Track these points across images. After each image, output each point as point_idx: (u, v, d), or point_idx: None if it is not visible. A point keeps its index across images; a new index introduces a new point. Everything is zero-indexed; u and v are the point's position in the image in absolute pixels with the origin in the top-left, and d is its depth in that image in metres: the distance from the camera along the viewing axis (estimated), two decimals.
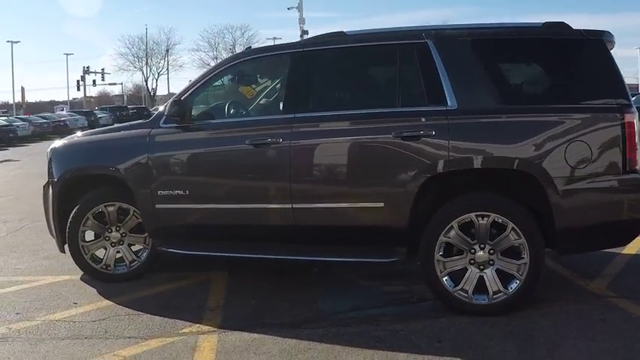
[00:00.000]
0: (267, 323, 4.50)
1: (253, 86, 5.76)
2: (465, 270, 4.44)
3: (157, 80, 73.54)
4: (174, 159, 5.21)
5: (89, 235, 5.60)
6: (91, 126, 42.99)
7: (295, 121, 4.79)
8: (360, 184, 4.70)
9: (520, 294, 4.41)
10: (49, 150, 5.78)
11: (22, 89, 50.94)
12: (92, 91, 73.27)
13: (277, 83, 5.60)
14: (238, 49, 71.85)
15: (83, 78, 64.50)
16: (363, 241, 4.80)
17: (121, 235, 5.51)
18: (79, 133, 6.11)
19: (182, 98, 5.14)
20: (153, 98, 70.43)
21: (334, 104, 5.02)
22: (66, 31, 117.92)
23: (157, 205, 5.18)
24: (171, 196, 5.13)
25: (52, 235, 5.78)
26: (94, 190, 5.50)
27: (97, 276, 5.55)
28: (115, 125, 7.16)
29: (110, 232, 5.50)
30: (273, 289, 5.29)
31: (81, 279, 5.68)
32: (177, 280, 5.59)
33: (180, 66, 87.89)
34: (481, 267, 4.42)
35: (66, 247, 5.64)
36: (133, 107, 56.91)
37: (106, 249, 5.53)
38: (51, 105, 66.22)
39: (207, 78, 5.33)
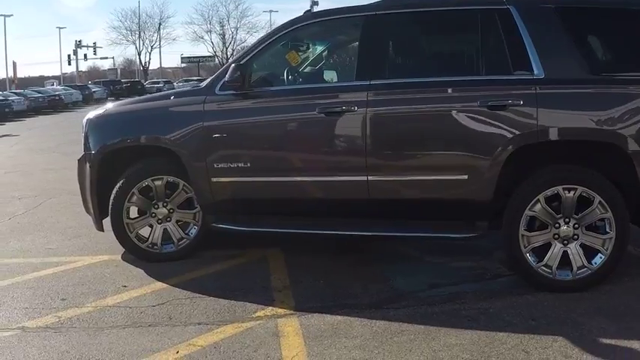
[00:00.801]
0: (345, 304, 4.14)
1: (310, 51, 5.33)
2: (549, 245, 4.21)
3: (149, 54, 72.37)
4: (233, 129, 4.73)
5: (133, 212, 5.10)
6: (85, 100, 42.27)
7: (371, 89, 4.42)
8: (441, 155, 4.42)
9: (604, 269, 4.20)
10: (84, 121, 5.24)
11: (14, 64, 49.75)
12: (82, 66, 72.01)
13: (345, 48, 5.23)
14: (232, 22, 70.90)
15: (75, 52, 63.27)
16: (442, 216, 4.49)
17: (169, 211, 5.01)
18: (110, 104, 5.56)
19: (242, 62, 4.64)
20: (146, 72, 69.35)
21: (412, 71, 4.70)
22: (58, 4, 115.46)
23: (212, 179, 4.71)
24: (230, 168, 4.67)
25: (88, 212, 5.28)
26: (140, 163, 4.99)
27: (143, 256, 5.07)
28: (158, 94, 6.60)
29: (157, 209, 5.00)
30: (337, 268, 4.87)
31: (122, 259, 5.20)
32: (230, 259, 5.12)
33: (174, 39, 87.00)
34: (565, 242, 4.19)
35: (104, 225, 5.18)
36: (127, 81, 56.02)
37: (151, 226, 5.04)
38: (41, 80, 64.88)
39: (268, 41, 4.85)
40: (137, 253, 5.08)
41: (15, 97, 32.26)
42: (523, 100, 4.14)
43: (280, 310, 4.06)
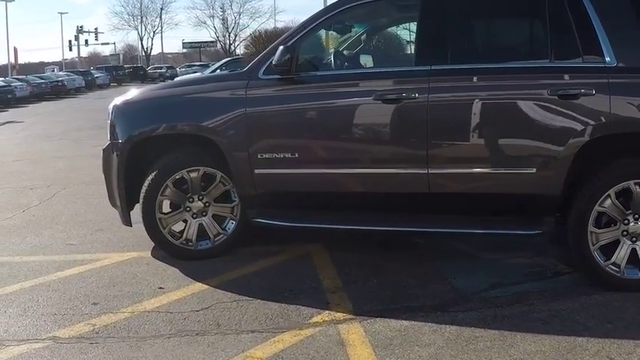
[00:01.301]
0: (408, 307, 3.77)
1: (358, 34, 4.95)
2: (618, 242, 3.94)
3: (152, 39, 71.65)
4: (279, 116, 4.33)
5: (165, 207, 4.68)
6: (88, 86, 41.74)
7: (433, 74, 4.06)
8: (508, 147, 4.10)
9: None
10: (110, 108, 4.79)
11: (15, 50, 49.02)
12: (82, 52, 71.32)
13: (400, 31, 4.89)
14: (235, 7, 70.12)
15: (77, 37, 62.60)
16: (507, 211, 4.13)
17: (204, 204, 4.58)
18: (138, 89, 5.11)
19: (290, 44, 4.22)
20: (148, 58, 68.66)
21: (476, 56, 4.32)
22: None
23: (255, 171, 4.30)
24: (276, 159, 4.27)
25: (114, 205, 4.85)
26: (174, 153, 4.56)
27: (176, 253, 4.65)
28: (191, 77, 6.15)
29: (192, 202, 4.57)
30: (388, 265, 4.47)
31: (152, 256, 4.80)
32: (271, 256, 4.71)
33: (176, 24, 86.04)
34: (634, 239, 3.92)
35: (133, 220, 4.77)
36: (129, 67, 55.46)
37: (186, 222, 4.61)
38: (41, 66, 64.22)
39: (315, 23, 4.42)
40: (170, 251, 4.66)
41: (17, 83, 31.72)
42: (595, 89, 3.83)
43: (339, 315, 3.66)
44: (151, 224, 4.55)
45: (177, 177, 4.50)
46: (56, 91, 35.71)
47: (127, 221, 4.76)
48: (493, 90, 4.06)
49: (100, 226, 5.76)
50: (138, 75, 50.10)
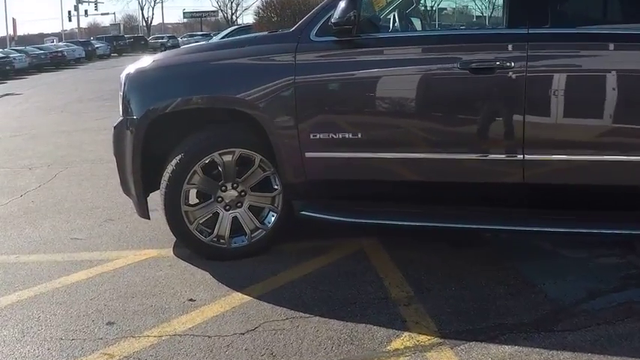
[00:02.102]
0: (504, 325, 2.99)
1: None
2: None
3: (152, 9, 70.14)
4: (338, 87, 3.50)
5: (192, 197, 3.88)
6: (88, 57, 40.63)
7: (532, 39, 3.26)
8: (622, 129, 3.31)
9: None
10: (122, 77, 3.91)
11: (14, 21, 47.83)
12: (82, 23, 69.90)
13: None
14: None
15: (76, 8, 61.15)
16: (618, 206, 3.36)
17: (240, 194, 3.76)
18: (155, 56, 4.23)
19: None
20: (149, 27, 67.19)
21: (582, 18, 3.61)
22: None
23: (306, 154, 3.49)
24: (332, 141, 3.46)
25: (127, 193, 4.03)
26: (203, 132, 3.72)
27: (206, 252, 3.84)
28: (223, 41, 5.25)
29: (224, 191, 3.75)
30: (461, 267, 3.67)
31: (175, 254, 4.00)
32: (319, 255, 3.90)
33: None
34: None
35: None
36: (130, 37, 54.21)
37: (217, 215, 3.79)
38: (40, 37, 62.81)
39: None
40: (198, 249, 3.85)
41: (16, 55, 30.74)
42: None
43: (422, 338, 2.87)
44: (175, 219, 3.73)
45: (207, 161, 3.66)
46: (56, 62, 34.63)
47: (144, 213, 3.95)
48: (604, 60, 3.25)
49: (110, 214, 4.95)
50: (139, 45, 48.86)
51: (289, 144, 3.48)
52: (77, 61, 38.09)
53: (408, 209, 3.52)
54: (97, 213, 5.05)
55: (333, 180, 3.55)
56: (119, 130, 3.88)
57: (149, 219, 4.01)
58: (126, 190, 4.02)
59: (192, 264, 3.83)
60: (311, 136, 3.43)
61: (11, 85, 23.06)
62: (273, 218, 3.83)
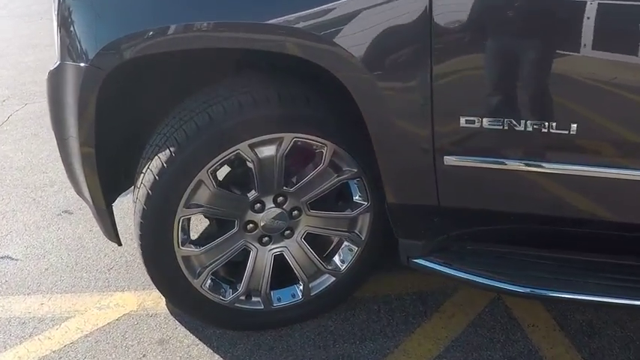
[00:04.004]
0: None
1: None
2: None
3: None
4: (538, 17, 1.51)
5: (195, 224, 2.05)
6: None
7: None
8: None
9: None
10: None
11: None
12: None
13: None
14: None
15: None
16: None
17: (289, 213, 1.91)
18: None
19: None
20: None
21: None
22: None
23: (447, 159, 1.60)
24: (509, 135, 1.55)
25: (78, 193, 2.17)
26: (216, 97, 1.78)
27: (227, 321, 2.07)
28: None
29: (259, 211, 1.89)
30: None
31: (169, 308, 2.22)
32: (432, 316, 2.12)
33: None
34: None
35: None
36: None
37: (246, 253, 1.96)
38: None
39: None
40: (214, 318, 2.06)
41: None
42: None
43: None
44: (163, 269, 1.90)
45: (227, 157, 1.77)
46: None
47: (109, 231, 2.09)
48: None
49: (68, 199, 3.09)
50: None
51: (411, 135, 1.60)
52: None
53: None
54: (50, 194, 3.20)
55: (493, 213, 1.69)
56: (56, 83, 1.95)
57: (119, 244, 2.18)
58: (75, 188, 2.17)
59: (200, 335, 2.07)
60: (462, 123, 1.54)
61: None
62: (350, 255, 2.02)
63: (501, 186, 1.64)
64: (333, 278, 2.06)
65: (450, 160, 1.58)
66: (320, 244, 2.04)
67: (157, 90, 1.99)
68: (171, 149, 1.71)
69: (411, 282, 2.29)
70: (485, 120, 1.51)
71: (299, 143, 1.80)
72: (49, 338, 2.12)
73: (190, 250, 1.86)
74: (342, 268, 2.05)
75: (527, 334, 2.03)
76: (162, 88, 1.99)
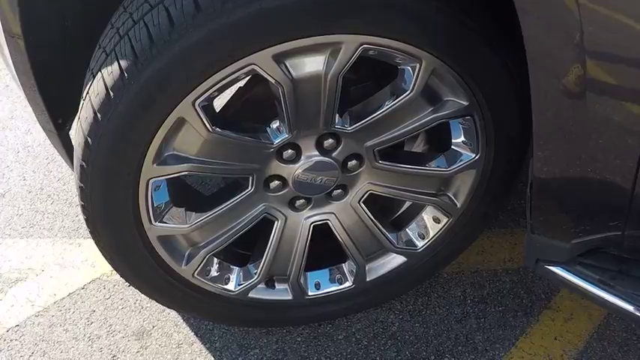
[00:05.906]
0: None
1: None
2: None
3: None
4: None
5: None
6: None
7: None
8: None
9: None
10: None
11: None
12: None
13: None
14: None
15: None
16: None
17: (343, 164, 1.13)
18: None
19: None
20: None
21: None
22: None
23: None
24: None
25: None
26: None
27: (232, 315, 1.35)
28: None
29: (289, 159, 1.10)
30: None
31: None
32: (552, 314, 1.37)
33: None
34: None
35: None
36: None
37: (267, 224, 1.20)
38: None
39: None
40: (214, 312, 1.34)
41: None
42: None
43: None
44: (129, 255, 1.15)
45: (231, 77, 0.95)
46: None
47: (69, 162, 1.33)
48: None
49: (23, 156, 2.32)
50: None
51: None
52: None
53: None
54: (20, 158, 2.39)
55: None
56: None
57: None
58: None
59: (192, 332, 1.40)
60: None
61: None
62: (434, 229, 1.28)
63: None
64: (403, 259, 1.31)
65: None
66: (381, 211, 1.28)
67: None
68: (122, 63, 0.91)
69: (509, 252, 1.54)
70: None
71: (370, 53, 0.97)
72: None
73: (171, 226, 1.10)
74: (420, 246, 1.30)
75: None
76: None
